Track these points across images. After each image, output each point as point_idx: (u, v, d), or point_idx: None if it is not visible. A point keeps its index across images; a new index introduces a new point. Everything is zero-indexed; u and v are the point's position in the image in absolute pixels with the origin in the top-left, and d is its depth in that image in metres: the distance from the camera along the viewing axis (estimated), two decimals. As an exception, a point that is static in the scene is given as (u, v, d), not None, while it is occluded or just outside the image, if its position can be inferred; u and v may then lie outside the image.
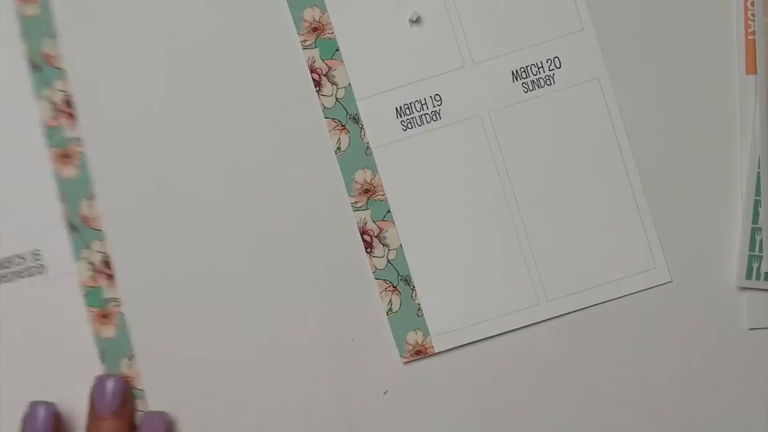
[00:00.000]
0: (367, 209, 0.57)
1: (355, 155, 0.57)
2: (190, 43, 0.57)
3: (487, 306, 0.57)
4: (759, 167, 0.57)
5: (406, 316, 0.57)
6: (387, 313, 0.57)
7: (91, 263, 0.57)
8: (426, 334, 0.57)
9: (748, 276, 0.56)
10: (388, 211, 0.57)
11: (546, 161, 0.57)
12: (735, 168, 0.57)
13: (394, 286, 0.57)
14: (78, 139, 0.58)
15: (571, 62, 0.57)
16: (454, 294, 0.57)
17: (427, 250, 0.57)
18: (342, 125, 0.58)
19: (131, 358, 0.57)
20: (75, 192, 0.58)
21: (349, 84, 0.57)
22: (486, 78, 0.57)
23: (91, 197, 0.58)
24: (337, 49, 0.57)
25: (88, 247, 0.57)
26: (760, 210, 0.57)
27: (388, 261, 0.57)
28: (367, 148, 0.57)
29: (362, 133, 0.57)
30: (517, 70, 0.57)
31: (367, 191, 0.57)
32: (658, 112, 0.57)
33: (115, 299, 0.58)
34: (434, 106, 0.57)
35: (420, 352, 0.57)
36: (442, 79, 0.57)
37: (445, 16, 0.57)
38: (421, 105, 0.57)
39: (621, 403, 0.56)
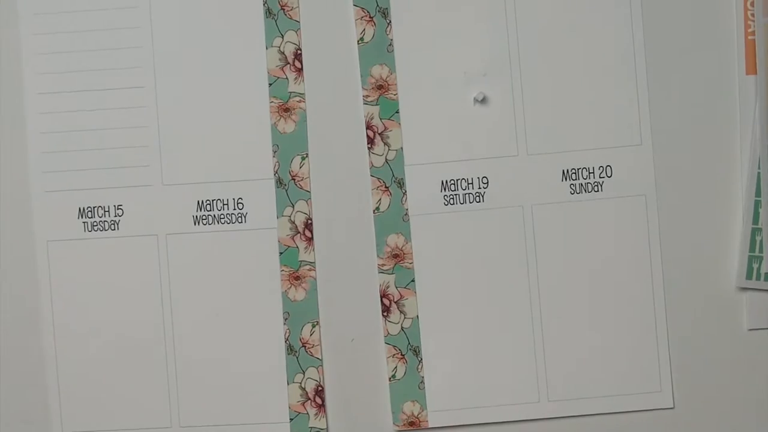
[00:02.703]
0: (392, 274, 0.58)
1: (392, 219, 0.59)
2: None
3: (489, 393, 0.58)
4: (759, 168, 0.58)
5: (408, 385, 0.58)
6: (390, 378, 0.58)
7: (292, 222, 0.59)
8: (423, 407, 0.58)
9: (749, 276, 0.58)
10: (412, 280, 0.58)
11: (576, 265, 0.58)
12: (735, 168, 0.58)
13: (402, 354, 0.58)
14: (301, 94, 0.59)
15: (622, 174, 0.58)
16: (458, 374, 0.58)
17: (442, 326, 0.58)
18: (386, 187, 0.59)
19: (315, 324, 0.59)
20: (289, 147, 0.59)
21: (401, 148, 0.59)
22: (536, 171, 0.58)
23: (304, 155, 0.59)
24: (397, 111, 0.59)
25: (292, 205, 0.59)
26: (761, 210, 0.58)
27: (402, 328, 0.58)
28: (405, 214, 0.59)
29: (403, 198, 0.58)
30: (567, 170, 0.58)
31: (396, 256, 0.58)
32: (662, 109, 0.58)
33: (310, 263, 0.59)
34: (480, 188, 0.58)
35: (413, 424, 0.58)
36: (493, 163, 0.58)
37: (510, 103, 0.58)
38: (468, 184, 0.58)
39: None
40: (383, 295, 0.59)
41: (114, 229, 0.59)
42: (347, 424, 0.59)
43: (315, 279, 0.59)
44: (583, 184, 0.58)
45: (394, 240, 0.59)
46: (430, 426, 0.58)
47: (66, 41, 0.59)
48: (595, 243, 0.58)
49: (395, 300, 0.58)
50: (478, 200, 0.58)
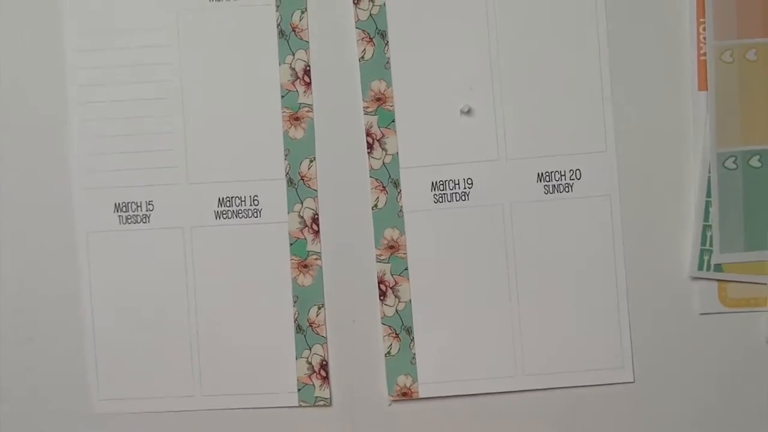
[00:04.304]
0: (388, 263, 0.62)
1: (389, 214, 0.62)
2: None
3: (472, 367, 0.62)
4: (709, 172, 0.61)
5: (401, 361, 0.62)
6: (385, 355, 0.62)
7: (301, 217, 0.61)
8: (414, 380, 0.62)
9: (700, 267, 0.61)
10: (406, 269, 0.62)
11: (549, 256, 0.62)
12: (688, 172, 0.61)
13: (396, 334, 0.62)
14: (309, 105, 0.62)
15: (590, 177, 0.61)
16: (446, 351, 0.62)
17: (432, 309, 0.62)
18: (383, 186, 0.62)
19: (321, 307, 0.61)
20: (299, 152, 0.62)
21: (397, 153, 0.62)
22: (514, 174, 0.62)
23: (312, 158, 0.62)
24: (393, 121, 0.62)
25: (301, 202, 0.62)
26: (710, 209, 0.61)
27: (397, 311, 0.62)
28: (400, 210, 0.62)
29: (398, 197, 0.62)
30: (542, 173, 0.62)
31: (392, 247, 0.62)
32: (624, 120, 0.61)
33: (316, 253, 0.62)
34: (465, 188, 0.62)
35: (406, 395, 0.62)
36: (477, 166, 0.62)
37: (492, 114, 0.62)
38: (454, 184, 0.62)
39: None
40: (380, 282, 0.62)
41: (145, 222, 0.63)
42: (348, 394, 0.63)
43: (321, 267, 0.62)
44: (556, 185, 0.62)
45: (390, 233, 0.62)
46: (420, 396, 0.62)
47: (104, 57, 0.63)
48: (565, 237, 0.61)
49: (391, 286, 0.62)
50: (463, 199, 0.62)
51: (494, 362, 0.62)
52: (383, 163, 0.63)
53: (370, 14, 0.63)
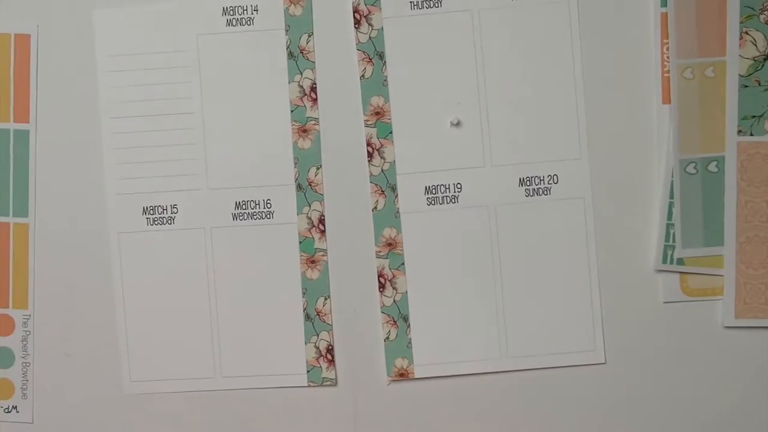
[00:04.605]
0: (387, 258, 0.65)
1: (387, 215, 0.65)
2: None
3: (462, 351, 0.65)
4: (672, 176, 0.63)
5: (399, 345, 0.65)
6: (384, 340, 0.65)
7: (309, 218, 0.64)
8: (411, 362, 0.65)
9: (664, 261, 0.64)
10: (402, 263, 0.65)
11: (530, 252, 0.65)
12: (653, 177, 0.63)
13: (394, 321, 0.65)
14: (316, 119, 0.64)
15: (566, 181, 0.65)
16: (438, 337, 0.65)
17: (426, 299, 0.65)
18: (382, 191, 0.66)
19: (327, 298, 0.65)
20: (307, 160, 0.64)
21: (394, 161, 0.65)
22: (499, 179, 0.65)
23: (318, 166, 0.64)
24: (390, 132, 0.65)
25: (309, 205, 0.64)
26: (673, 210, 0.63)
27: (394, 301, 0.65)
28: (397, 212, 0.65)
29: (396, 200, 0.65)
30: (523, 178, 0.65)
31: (390, 245, 0.65)
32: (596, 130, 0.64)
33: (323, 250, 0.64)
34: (455, 192, 0.65)
35: (403, 375, 0.65)
36: (465, 172, 0.65)
37: (478, 126, 0.65)
38: (445, 188, 0.65)
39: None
40: (380, 275, 0.65)
41: (170, 224, 0.66)
42: (351, 375, 0.66)
43: (327, 262, 0.65)
44: (536, 189, 0.65)
45: (388, 232, 0.65)
46: (416, 377, 0.65)
47: (132, 77, 0.66)
48: (544, 235, 0.65)
49: (389, 279, 0.65)
50: (453, 201, 0.65)
51: (481, 346, 0.65)
52: (382, 170, 0.66)
53: (370, 37, 0.66)
